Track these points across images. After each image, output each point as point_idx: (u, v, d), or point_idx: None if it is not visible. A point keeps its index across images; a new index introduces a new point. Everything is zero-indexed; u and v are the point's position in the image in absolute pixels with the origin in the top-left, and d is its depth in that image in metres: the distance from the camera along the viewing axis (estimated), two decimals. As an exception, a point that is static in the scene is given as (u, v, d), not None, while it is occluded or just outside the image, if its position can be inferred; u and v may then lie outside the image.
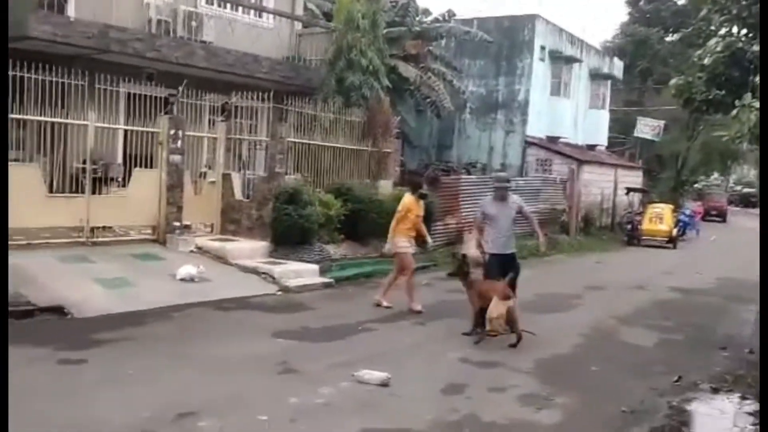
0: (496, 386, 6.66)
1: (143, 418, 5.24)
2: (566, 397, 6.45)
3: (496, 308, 7.82)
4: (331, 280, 11.57)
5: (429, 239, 10.13)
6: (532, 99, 24.20)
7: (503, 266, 8.43)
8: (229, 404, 5.69)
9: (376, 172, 15.36)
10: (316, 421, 5.45)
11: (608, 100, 29.35)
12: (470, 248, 9.00)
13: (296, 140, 13.78)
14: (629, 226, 23.81)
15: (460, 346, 7.96)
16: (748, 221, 35.34)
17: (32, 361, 6.56)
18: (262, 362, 6.92)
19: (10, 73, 10.14)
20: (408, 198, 9.88)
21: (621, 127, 34.14)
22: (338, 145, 14.69)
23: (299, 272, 11.40)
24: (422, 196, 9.93)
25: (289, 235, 12.24)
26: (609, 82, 29.18)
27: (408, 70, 18.52)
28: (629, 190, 25.71)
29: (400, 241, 9.72)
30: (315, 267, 11.77)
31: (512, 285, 8.31)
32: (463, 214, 16.06)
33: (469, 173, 20.92)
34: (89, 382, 6.08)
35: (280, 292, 10.58)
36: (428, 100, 19.97)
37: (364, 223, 13.69)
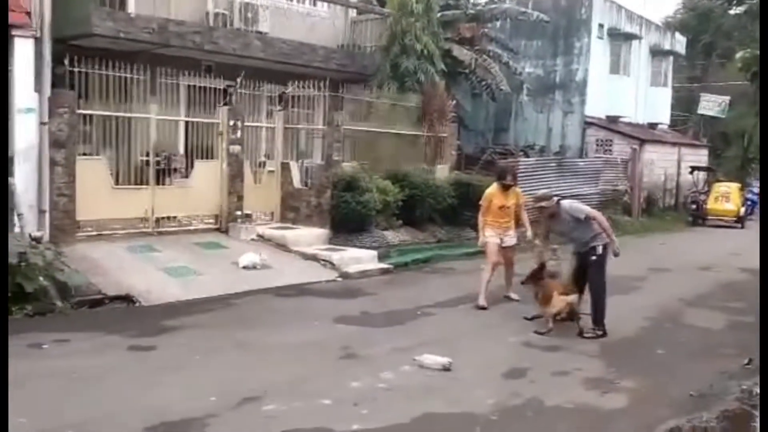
0: (560, 370, 6.59)
1: (209, 402, 5.37)
2: (632, 381, 6.34)
3: (557, 303, 7.76)
4: (390, 265, 11.61)
5: (528, 231, 9.50)
6: (590, 78, 23.64)
7: (581, 261, 8.24)
8: (293, 389, 5.78)
9: (432, 157, 15.31)
10: (378, 406, 5.48)
11: (670, 76, 28.40)
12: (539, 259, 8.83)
13: (352, 127, 13.85)
14: (694, 206, 23.18)
15: (521, 331, 7.91)
16: (821, 199, 33.91)
17: (105, 348, 6.81)
18: (323, 347, 7.01)
19: (77, 69, 10.48)
20: (491, 188, 9.63)
21: (684, 104, 33.11)
22: (394, 131, 14.69)
23: (358, 258, 11.49)
24: (504, 186, 9.53)
25: (347, 222, 12.37)
26: (671, 59, 28.22)
27: (463, 54, 18.32)
28: (693, 168, 24.96)
29: (486, 232, 9.51)
30: (373, 253, 11.83)
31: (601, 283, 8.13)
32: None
33: (527, 156, 20.63)
34: (158, 368, 6.27)
35: (339, 279, 10.68)
36: (484, 82, 19.71)
37: (421, 208, 13.71)
